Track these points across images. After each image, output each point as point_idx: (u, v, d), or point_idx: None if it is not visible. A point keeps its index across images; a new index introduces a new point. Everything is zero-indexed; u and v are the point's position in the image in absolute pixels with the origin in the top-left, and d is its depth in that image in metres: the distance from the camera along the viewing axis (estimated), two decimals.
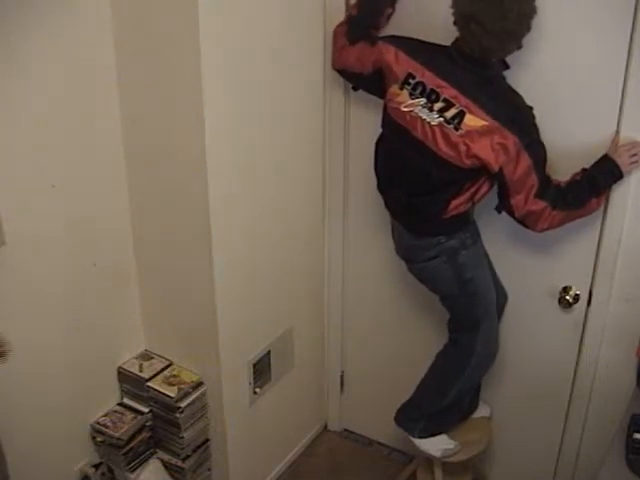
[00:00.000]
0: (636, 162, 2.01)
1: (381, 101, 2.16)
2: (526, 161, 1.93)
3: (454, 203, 2.06)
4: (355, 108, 2.47)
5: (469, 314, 2.25)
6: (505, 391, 2.55)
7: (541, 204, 1.98)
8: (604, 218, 2.15)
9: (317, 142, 2.54)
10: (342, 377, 2.97)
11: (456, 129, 1.94)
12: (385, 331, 2.76)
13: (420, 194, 2.10)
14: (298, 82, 2.34)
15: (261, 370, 2.52)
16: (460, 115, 1.94)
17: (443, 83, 1.96)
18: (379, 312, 2.74)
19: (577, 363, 2.37)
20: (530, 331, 2.41)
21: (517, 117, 1.96)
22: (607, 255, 2.18)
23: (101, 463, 2.33)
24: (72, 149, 2.01)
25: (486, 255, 2.31)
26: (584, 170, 2.03)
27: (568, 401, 2.44)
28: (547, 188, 1.98)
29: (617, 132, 2.04)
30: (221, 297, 2.21)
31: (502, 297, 2.38)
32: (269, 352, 2.54)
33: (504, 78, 2.02)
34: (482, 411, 2.54)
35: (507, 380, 2.53)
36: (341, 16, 2.29)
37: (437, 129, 1.97)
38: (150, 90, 2.05)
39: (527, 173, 1.94)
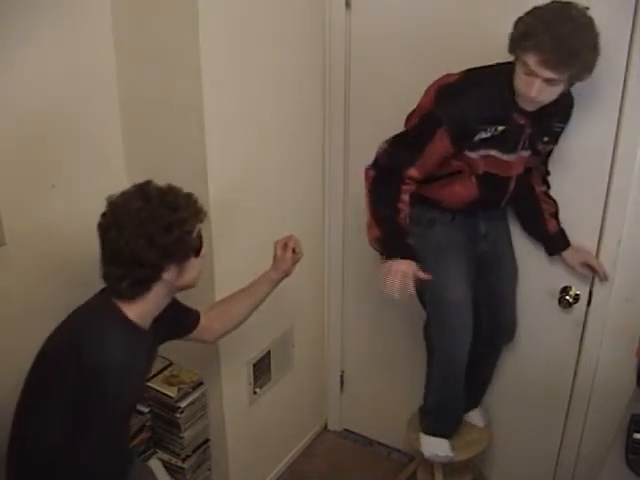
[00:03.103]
0: None
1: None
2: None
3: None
4: (355, 107, 2.47)
5: (420, 296, 2.11)
6: (505, 391, 2.55)
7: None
8: (604, 219, 2.15)
9: (317, 141, 2.54)
10: (342, 377, 2.97)
11: None
12: (385, 331, 2.75)
13: None
14: (298, 81, 2.34)
15: (261, 370, 2.52)
16: None
17: None
18: (379, 312, 2.74)
19: (577, 363, 2.37)
20: (530, 331, 2.41)
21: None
22: (607, 255, 2.18)
23: None
24: (72, 149, 2.01)
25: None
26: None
27: (568, 401, 2.44)
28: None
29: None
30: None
31: (504, 334, 2.34)
32: (269, 352, 2.54)
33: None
34: (475, 419, 2.48)
35: (507, 380, 2.53)
36: (341, 15, 2.30)
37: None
38: (150, 90, 2.05)
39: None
